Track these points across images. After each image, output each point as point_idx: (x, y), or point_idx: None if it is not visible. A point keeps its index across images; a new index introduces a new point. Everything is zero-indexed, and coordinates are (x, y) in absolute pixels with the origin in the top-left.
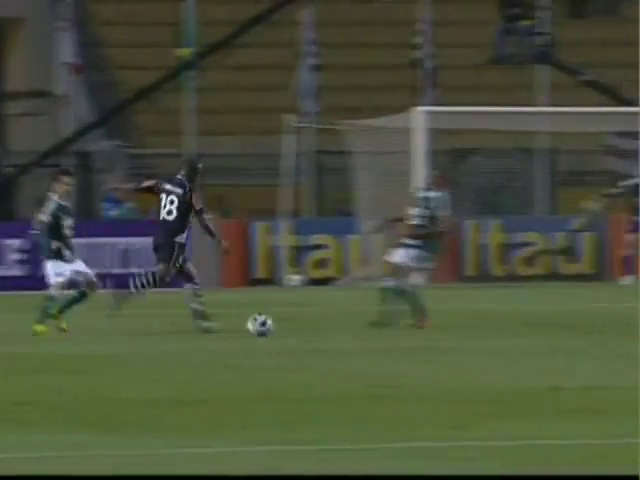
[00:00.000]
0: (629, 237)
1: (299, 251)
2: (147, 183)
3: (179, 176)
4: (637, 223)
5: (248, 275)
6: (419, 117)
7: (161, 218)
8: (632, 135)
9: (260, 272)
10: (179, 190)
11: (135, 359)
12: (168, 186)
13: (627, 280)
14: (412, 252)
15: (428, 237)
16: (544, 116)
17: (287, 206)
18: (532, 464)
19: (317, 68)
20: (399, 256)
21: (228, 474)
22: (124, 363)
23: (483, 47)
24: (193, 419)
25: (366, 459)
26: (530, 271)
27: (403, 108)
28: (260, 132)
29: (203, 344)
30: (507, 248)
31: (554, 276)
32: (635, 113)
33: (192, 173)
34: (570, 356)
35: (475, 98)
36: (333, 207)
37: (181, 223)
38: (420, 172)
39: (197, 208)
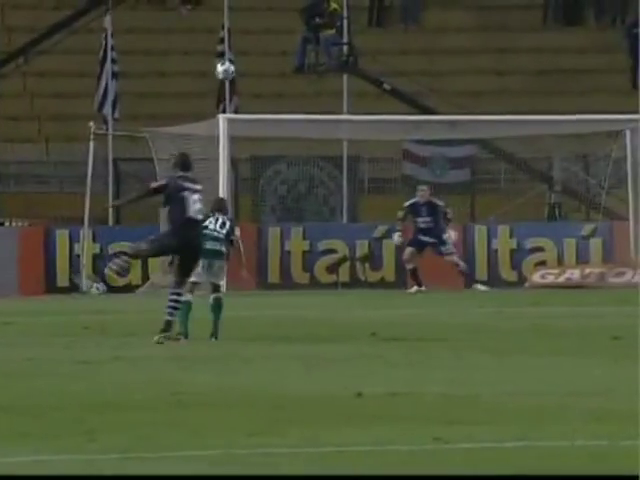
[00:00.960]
0: (407, 249)
1: (100, 259)
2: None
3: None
4: (418, 240)
5: (48, 283)
6: (221, 124)
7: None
8: (428, 142)
9: (61, 280)
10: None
11: None
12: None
13: (413, 289)
14: None
15: None
16: (346, 124)
17: (88, 214)
18: (342, 469)
19: (118, 75)
20: None
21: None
22: None
23: (288, 55)
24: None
25: (168, 465)
26: (333, 278)
27: (206, 116)
28: (63, 139)
29: (4, 352)
30: (310, 255)
31: (357, 283)
32: (432, 121)
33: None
34: (373, 362)
35: (279, 106)
36: (134, 215)
37: None
38: (223, 180)
39: None
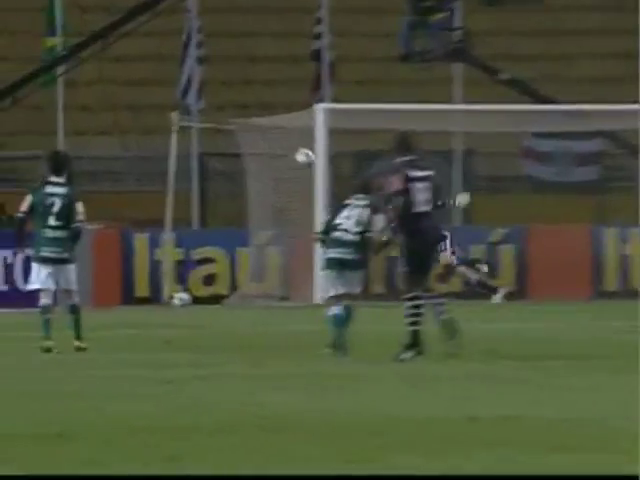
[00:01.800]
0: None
1: (183, 266)
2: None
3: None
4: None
5: (126, 293)
6: (320, 115)
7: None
8: (553, 136)
9: (140, 289)
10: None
11: None
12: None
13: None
14: None
15: None
16: (459, 115)
17: (170, 216)
18: None
19: (203, 60)
20: None
21: None
22: None
23: (392, 37)
24: (68, 453)
25: None
26: (444, 288)
27: (300, 105)
28: (141, 132)
29: (75, 371)
30: None
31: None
32: (554, 111)
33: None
34: (486, 382)
35: (381, 94)
36: (222, 217)
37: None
38: (320, 178)
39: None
